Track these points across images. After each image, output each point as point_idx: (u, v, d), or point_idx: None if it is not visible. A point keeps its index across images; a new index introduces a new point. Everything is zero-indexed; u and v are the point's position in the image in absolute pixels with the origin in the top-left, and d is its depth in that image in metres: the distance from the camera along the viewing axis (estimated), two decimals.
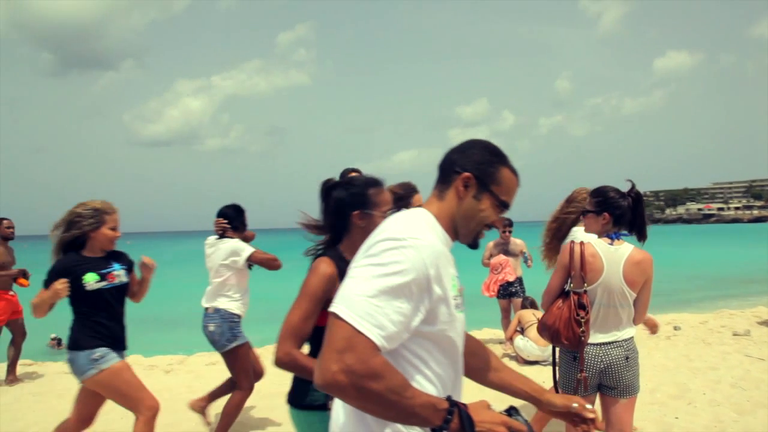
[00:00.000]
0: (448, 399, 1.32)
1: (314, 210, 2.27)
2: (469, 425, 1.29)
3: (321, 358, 1.21)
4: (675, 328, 8.07)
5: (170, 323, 12.78)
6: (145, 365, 6.88)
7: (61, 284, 3.14)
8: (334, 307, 1.25)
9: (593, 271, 2.77)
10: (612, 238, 2.82)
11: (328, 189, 2.22)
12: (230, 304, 4.24)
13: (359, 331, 1.21)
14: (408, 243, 1.29)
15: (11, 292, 6.32)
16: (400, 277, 1.25)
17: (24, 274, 6.16)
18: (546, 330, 2.86)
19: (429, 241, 1.33)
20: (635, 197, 2.84)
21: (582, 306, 2.75)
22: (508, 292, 7.18)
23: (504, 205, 1.50)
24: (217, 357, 7.27)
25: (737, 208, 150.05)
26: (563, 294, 2.88)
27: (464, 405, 1.33)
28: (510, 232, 7.30)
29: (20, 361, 6.60)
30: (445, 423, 1.27)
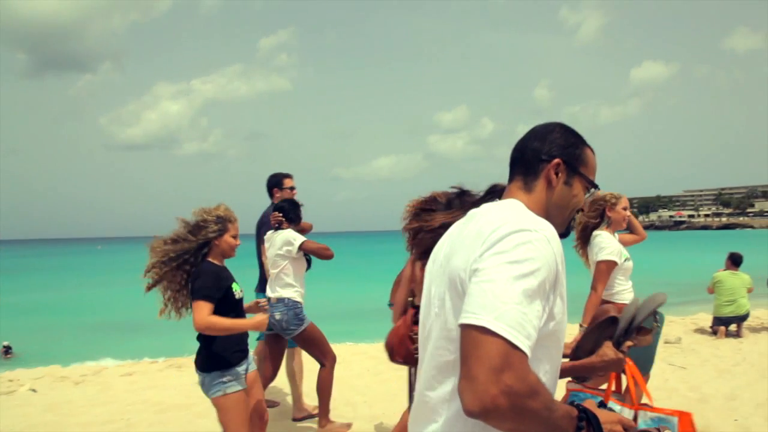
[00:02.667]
0: (574, 405, 1.26)
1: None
2: (597, 429, 1.25)
3: (472, 380, 1.06)
4: None
5: (134, 329, 12.79)
6: (57, 376, 6.63)
7: (264, 315, 3.30)
8: (478, 319, 1.09)
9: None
10: None
11: None
12: (292, 292, 4.42)
13: (515, 346, 1.07)
14: (539, 235, 1.18)
15: None
16: (537, 276, 1.14)
17: None
18: (385, 346, 2.71)
19: (554, 231, 1.23)
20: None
21: (417, 322, 2.59)
22: None
23: (594, 186, 1.45)
24: (134, 368, 7.12)
25: (707, 216, 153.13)
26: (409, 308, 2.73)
27: (588, 409, 1.27)
28: None
29: None
30: (578, 430, 1.20)
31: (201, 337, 3.22)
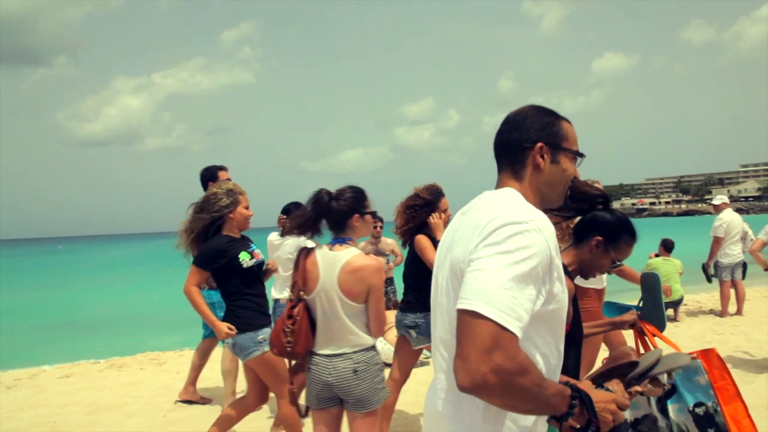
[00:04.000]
0: (567, 384, 1.32)
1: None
2: (590, 408, 1.32)
3: (464, 359, 1.15)
4: None
5: (87, 330, 12.58)
6: None
7: (230, 330, 3.36)
8: (470, 304, 1.18)
9: (311, 280, 2.64)
10: (333, 244, 2.71)
11: None
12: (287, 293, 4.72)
13: (504, 327, 1.16)
14: (530, 226, 1.26)
15: None
16: (528, 263, 1.22)
17: None
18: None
19: (546, 220, 1.31)
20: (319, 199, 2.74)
21: (290, 315, 2.65)
22: None
23: (580, 155, 1.52)
24: (73, 370, 7.03)
25: (667, 203, 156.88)
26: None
27: (581, 389, 1.33)
28: (381, 227, 7.20)
29: None
30: (570, 408, 1.27)
31: (228, 301, 3.45)
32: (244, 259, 3.42)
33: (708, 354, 2.54)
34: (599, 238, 2.16)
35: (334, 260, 2.63)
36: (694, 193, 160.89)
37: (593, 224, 2.19)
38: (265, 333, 3.35)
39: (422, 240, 3.76)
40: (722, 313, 8.46)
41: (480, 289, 1.19)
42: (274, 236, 4.85)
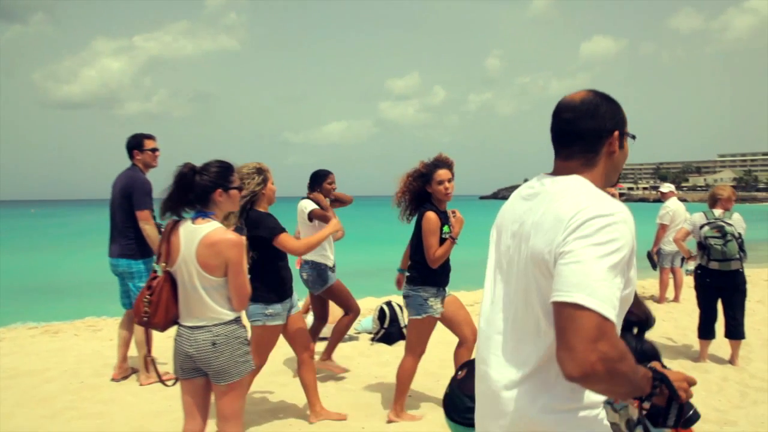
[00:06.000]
0: (647, 367, 1.41)
1: None
2: (671, 386, 1.40)
3: (570, 350, 1.22)
4: None
5: (43, 293, 12.70)
6: None
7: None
8: (571, 297, 1.25)
9: (174, 252, 2.66)
10: (195, 217, 2.70)
11: None
12: (316, 255, 4.94)
13: (606, 317, 1.22)
14: (617, 218, 1.32)
15: None
16: (618, 254, 1.29)
17: None
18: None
19: (628, 211, 1.36)
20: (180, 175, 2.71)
21: (149, 286, 2.67)
22: None
23: (633, 137, 1.58)
24: (6, 335, 6.98)
25: (645, 189, 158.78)
26: None
27: (660, 369, 1.42)
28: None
29: None
30: (653, 389, 1.37)
31: (252, 271, 3.50)
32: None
33: None
34: None
35: (194, 233, 2.63)
36: (671, 180, 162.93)
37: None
38: (275, 308, 3.71)
39: (429, 221, 3.83)
40: (660, 300, 8.64)
41: (579, 282, 1.26)
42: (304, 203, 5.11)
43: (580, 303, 1.23)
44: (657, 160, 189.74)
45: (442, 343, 5.22)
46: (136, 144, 4.95)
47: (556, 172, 1.55)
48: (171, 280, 2.69)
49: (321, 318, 5.43)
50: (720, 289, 5.43)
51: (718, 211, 5.45)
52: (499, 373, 1.50)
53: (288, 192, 6.25)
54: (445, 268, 3.97)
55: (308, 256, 4.93)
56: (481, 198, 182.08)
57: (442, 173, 3.89)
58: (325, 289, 5.05)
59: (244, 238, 2.70)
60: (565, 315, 1.25)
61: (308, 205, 5.02)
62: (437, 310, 3.94)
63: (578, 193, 1.41)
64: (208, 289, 2.62)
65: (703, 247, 5.38)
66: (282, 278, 3.78)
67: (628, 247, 1.32)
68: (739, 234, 5.29)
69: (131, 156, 4.96)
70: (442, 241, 3.85)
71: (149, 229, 4.69)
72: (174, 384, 2.92)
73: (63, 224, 45.44)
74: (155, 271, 2.74)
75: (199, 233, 2.62)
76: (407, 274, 4.06)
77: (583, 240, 1.30)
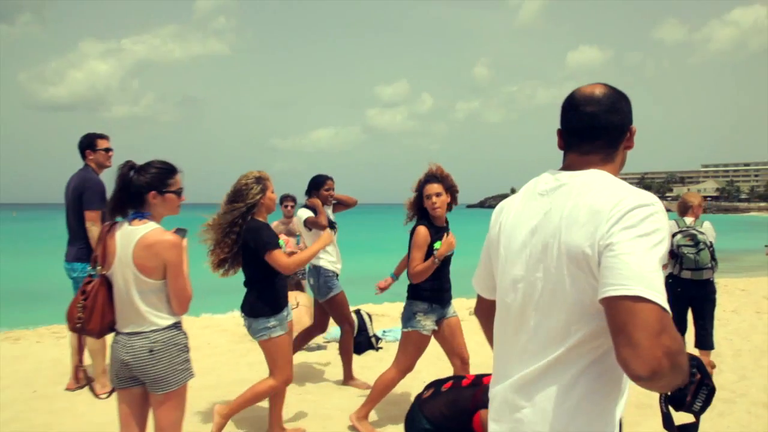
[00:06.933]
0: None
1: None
2: (704, 371, 1.37)
3: (635, 346, 1.14)
4: (470, 313, 8.25)
5: (35, 297, 12.35)
6: None
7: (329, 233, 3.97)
8: (630, 290, 1.17)
9: (110, 255, 2.54)
10: (132, 219, 2.57)
11: None
12: (323, 261, 4.93)
13: (666, 309, 1.17)
14: (657, 208, 1.28)
15: None
16: (663, 244, 1.25)
17: None
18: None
19: (660, 202, 1.33)
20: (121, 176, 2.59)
21: (83, 291, 2.55)
22: None
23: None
24: (5, 335, 6.77)
25: None
26: None
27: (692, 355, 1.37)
28: (291, 207, 7.12)
29: None
30: (692, 377, 1.34)
31: (248, 285, 3.59)
32: (284, 245, 3.69)
33: None
34: None
35: (131, 235, 2.51)
36: (656, 190, 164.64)
37: None
38: (277, 319, 3.58)
39: (418, 236, 3.78)
40: None
41: (636, 274, 1.18)
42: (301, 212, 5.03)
43: (642, 295, 1.16)
44: (642, 169, 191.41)
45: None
46: (88, 144, 4.82)
47: (571, 166, 1.48)
48: (107, 285, 2.56)
49: (319, 326, 5.30)
50: (691, 299, 5.37)
51: (689, 219, 5.41)
52: (520, 380, 1.45)
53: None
54: (438, 285, 3.87)
55: (315, 262, 4.88)
56: (468, 207, 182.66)
57: (429, 188, 3.82)
58: (329, 298, 4.95)
59: (184, 239, 2.58)
60: (625, 309, 1.17)
61: (304, 214, 4.95)
62: (425, 327, 3.83)
63: (609, 183, 1.37)
64: (145, 293, 2.50)
65: (675, 255, 5.32)
66: (278, 293, 3.64)
67: (667, 237, 1.28)
68: (711, 243, 5.25)
69: (84, 156, 4.82)
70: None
71: (95, 231, 4.50)
72: (108, 397, 2.77)
73: (44, 228, 44.72)
74: (90, 275, 2.61)
75: (135, 235, 2.50)
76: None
77: (629, 231, 1.24)
